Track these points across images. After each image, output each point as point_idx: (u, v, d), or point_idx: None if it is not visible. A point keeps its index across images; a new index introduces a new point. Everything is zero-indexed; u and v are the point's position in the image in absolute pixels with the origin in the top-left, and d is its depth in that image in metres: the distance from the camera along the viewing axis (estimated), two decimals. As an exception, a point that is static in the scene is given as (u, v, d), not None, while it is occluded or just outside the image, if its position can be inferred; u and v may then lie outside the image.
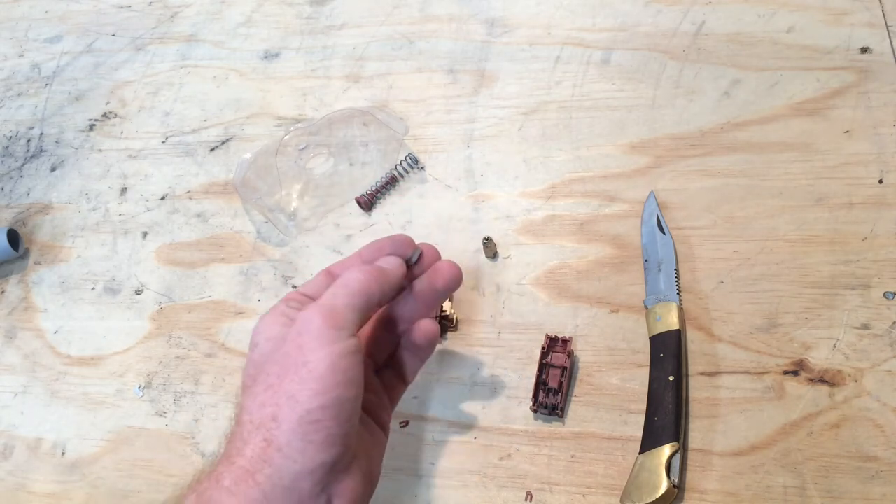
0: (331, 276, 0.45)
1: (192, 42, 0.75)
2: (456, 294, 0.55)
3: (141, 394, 0.57)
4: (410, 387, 0.52)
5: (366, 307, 0.41)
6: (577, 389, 0.50)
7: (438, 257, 0.46)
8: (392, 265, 0.44)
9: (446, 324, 0.53)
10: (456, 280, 0.45)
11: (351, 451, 0.39)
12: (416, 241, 0.58)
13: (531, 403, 0.49)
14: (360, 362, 0.39)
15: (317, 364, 0.38)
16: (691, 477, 0.46)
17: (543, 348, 0.50)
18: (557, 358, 0.50)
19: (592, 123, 0.60)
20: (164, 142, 0.69)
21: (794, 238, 0.51)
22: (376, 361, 0.46)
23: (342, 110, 0.65)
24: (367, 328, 0.46)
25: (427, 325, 0.45)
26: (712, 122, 0.57)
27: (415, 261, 0.45)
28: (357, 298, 0.40)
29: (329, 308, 0.39)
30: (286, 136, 0.64)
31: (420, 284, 0.45)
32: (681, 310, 0.49)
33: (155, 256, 0.64)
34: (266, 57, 0.71)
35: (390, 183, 0.61)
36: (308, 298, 0.43)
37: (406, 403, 0.52)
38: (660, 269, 0.52)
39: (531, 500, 0.47)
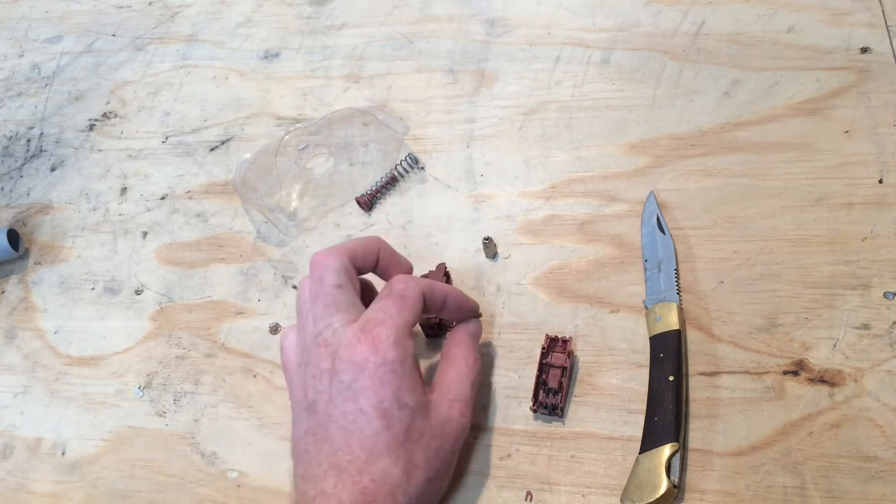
0: (397, 295, 0.45)
1: (192, 42, 0.75)
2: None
3: (141, 394, 0.57)
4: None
5: None
6: (577, 389, 0.50)
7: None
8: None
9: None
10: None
11: None
12: (416, 242, 0.58)
13: (531, 403, 0.49)
14: None
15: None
16: (691, 477, 0.46)
17: (543, 348, 0.50)
18: (557, 358, 0.50)
19: (592, 123, 0.60)
20: (164, 142, 0.69)
21: (794, 238, 0.51)
22: None
23: (342, 110, 0.65)
24: None
25: None
26: (712, 122, 0.57)
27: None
28: None
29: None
30: (286, 136, 0.64)
31: None
32: (681, 310, 0.49)
33: (155, 256, 0.64)
34: (266, 57, 0.71)
35: (390, 183, 0.61)
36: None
37: (406, 403, 0.52)
38: (660, 269, 0.52)
39: (531, 500, 0.47)
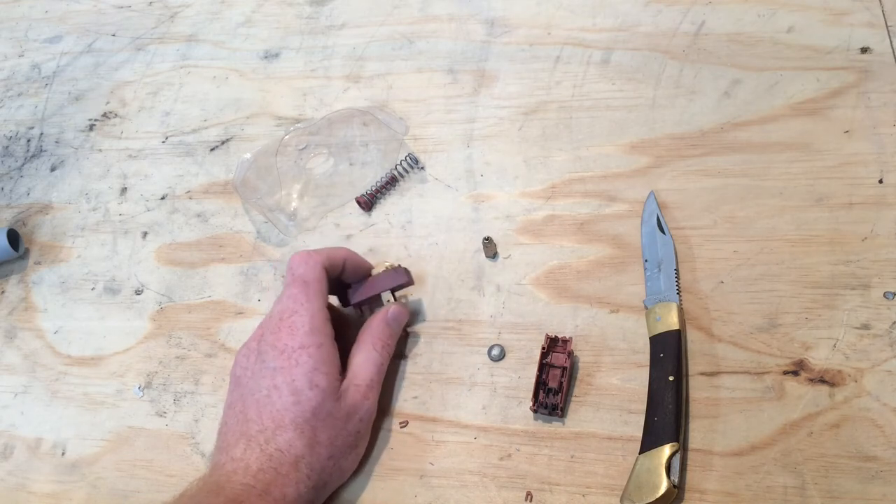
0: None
1: (192, 42, 0.75)
2: (456, 294, 0.55)
3: (141, 394, 0.57)
4: (410, 387, 0.53)
5: None
6: (577, 389, 0.50)
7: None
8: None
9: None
10: None
11: None
12: (416, 242, 0.58)
13: (531, 403, 0.49)
14: None
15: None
16: (691, 477, 0.46)
17: (543, 348, 0.50)
18: (557, 358, 0.50)
19: (592, 123, 0.60)
20: (164, 142, 0.69)
21: (794, 238, 0.51)
22: None
23: (342, 110, 0.65)
24: None
25: None
26: (712, 122, 0.57)
27: None
28: None
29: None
30: (286, 136, 0.64)
31: None
32: (681, 310, 0.49)
33: (155, 256, 0.64)
34: (266, 57, 0.71)
35: (390, 183, 0.61)
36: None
37: (406, 403, 0.52)
38: (660, 269, 0.52)
39: (531, 500, 0.47)
